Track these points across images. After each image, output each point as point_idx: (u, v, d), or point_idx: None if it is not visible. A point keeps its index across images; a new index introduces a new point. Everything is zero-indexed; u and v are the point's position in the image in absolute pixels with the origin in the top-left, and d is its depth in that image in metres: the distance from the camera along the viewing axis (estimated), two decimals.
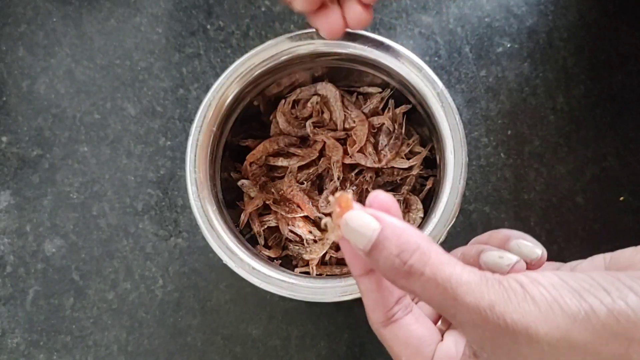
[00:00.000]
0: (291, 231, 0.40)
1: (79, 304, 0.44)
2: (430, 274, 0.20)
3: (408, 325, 0.23)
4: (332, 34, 0.32)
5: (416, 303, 0.26)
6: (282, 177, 0.41)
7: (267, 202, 0.40)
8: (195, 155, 0.36)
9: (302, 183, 0.40)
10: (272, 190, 0.40)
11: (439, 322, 0.26)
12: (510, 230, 0.25)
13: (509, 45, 0.47)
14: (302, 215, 0.40)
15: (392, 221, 0.21)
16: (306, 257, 0.40)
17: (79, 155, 0.46)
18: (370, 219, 0.21)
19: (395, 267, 0.21)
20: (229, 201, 0.39)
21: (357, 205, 0.22)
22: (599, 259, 0.25)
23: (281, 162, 0.41)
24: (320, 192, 0.41)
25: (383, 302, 0.23)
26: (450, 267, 0.20)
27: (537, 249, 0.24)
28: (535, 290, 0.19)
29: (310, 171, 0.40)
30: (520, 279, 0.20)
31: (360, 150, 0.40)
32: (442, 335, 0.24)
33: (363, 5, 0.30)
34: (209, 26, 0.48)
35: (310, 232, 0.40)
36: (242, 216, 0.39)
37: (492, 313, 0.19)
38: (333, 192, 0.40)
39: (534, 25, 0.47)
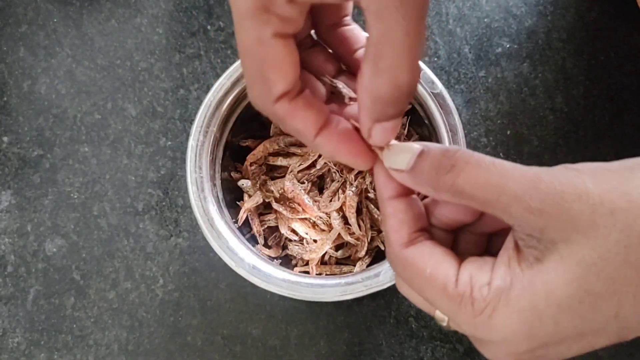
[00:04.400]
0: (292, 230, 0.40)
1: (80, 304, 0.44)
2: (475, 162, 0.20)
3: (432, 244, 0.23)
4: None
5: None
6: (283, 176, 0.41)
7: (269, 201, 0.41)
8: (195, 156, 0.36)
9: (302, 183, 0.40)
10: (272, 188, 0.40)
11: None
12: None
13: (508, 46, 0.47)
14: (302, 217, 0.40)
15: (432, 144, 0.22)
16: (306, 257, 0.40)
17: (79, 156, 0.46)
18: (411, 144, 0.22)
19: (441, 166, 0.21)
20: (229, 201, 0.39)
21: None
22: None
23: (281, 162, 0.41)
24: (321, 192, 0.41)
25: (409, 222, 0.23)
26: (490, 165, 0.20)
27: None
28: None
29: (311, 172, 0.41)
30: None
31: None
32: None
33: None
34: (209, 27, 0.48)
35: (307, 233, 0.40)
36: (241, 213, 0.39)
37: (539, 180, 0.19)
38: (334, 193, 0.40)
39: (533, 26, 0.47)
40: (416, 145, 0.22)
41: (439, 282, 0.21)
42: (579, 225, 0.18)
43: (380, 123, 0.21)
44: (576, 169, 0.19)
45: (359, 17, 0.27)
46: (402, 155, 0.22)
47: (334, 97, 0.25)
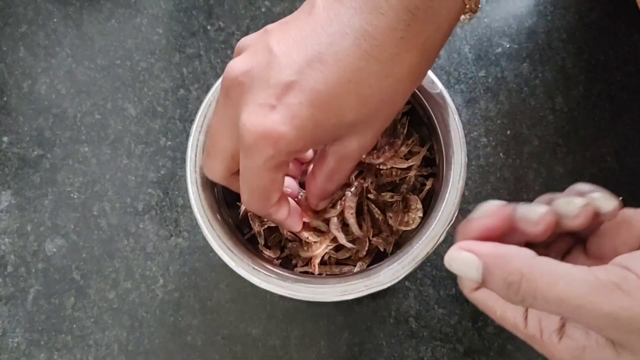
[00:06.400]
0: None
1: (80, 304, 0.44)
2: (542, 300, 0.20)
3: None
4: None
5: None
6: None
7: None
8: (195, 156, 0.36)
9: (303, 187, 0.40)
10: None
11: None
12: (584, 184, 0.26)
13: (508, 46, 0.47)
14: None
15: (489, 251, 0.22)
16: (306, 255, 0.40)
17: (79, 155, 0.46)
18: (468, 257, 0.22)
19: (508, 297, 0.21)
20: (229, 201, 0.39)
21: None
22: None
23: None
24: None
25: None
26: (558, 285, 0.20)
27: (612, 200, 0.24)
28: None
29: None
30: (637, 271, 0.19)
31: None
32: None
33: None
34: (209, 27, 0.48)
35: (308, 237, 0.40)
36: (242, 212, 0.39)
37: (617, 321, 0.19)
38: (335, 202, 0.40)
39: (533, 26, 0.47)
40: (475, 263, 0.22)
41: (510, 322, 0.24)
42: None
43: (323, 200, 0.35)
44: None
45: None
46: (466, 274, 0.23)
47: None
